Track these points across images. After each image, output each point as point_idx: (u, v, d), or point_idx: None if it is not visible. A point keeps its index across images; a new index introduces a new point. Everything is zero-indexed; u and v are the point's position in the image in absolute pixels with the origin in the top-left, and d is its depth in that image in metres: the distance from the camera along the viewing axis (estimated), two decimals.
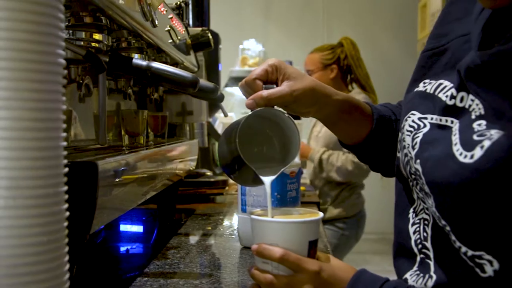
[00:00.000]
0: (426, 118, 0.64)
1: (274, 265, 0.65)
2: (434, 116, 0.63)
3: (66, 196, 0.48)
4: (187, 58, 1.27)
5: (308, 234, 0.66)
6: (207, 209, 1.46)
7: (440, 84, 0.65)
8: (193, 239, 1.08)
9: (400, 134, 0.70)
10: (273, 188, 0.96)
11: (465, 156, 0.54)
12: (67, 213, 0.49)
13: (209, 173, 1.74)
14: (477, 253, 0.55)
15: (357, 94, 2.31)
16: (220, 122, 2.40)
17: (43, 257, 0.45)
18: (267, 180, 0.70)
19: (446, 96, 0.62)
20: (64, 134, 0.48)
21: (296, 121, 0.74)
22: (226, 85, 3.57)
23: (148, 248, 1.08)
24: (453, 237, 0.57)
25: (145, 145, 1.04)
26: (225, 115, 1.41)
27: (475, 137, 0.55)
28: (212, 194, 1.67)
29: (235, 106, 3.58)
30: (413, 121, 0.66)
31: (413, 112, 0.67)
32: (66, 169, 0.49)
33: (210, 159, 2.12)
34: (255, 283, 0.68)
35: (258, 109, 0.71)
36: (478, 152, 0.53)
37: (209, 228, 1.21)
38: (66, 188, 0.48)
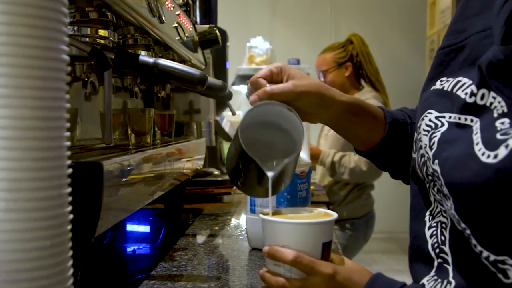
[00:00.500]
0: (444, 117, 0.62)
1: (286, 267, 0.62)
2: (453, 115, 0.60)
3: (70, 198, 0.46)
4: (195, 55, 1.25)
5: (322, 235, 0.64)
6: (214, 209, 1.44)
7: (459, 81, 0.62)
8: (201, 240, 1.06)
9: (416, 134, 0.67)
10: None
11: (488, 156, 0.52)
12: (71, 216, 0.47)
13: (216, 172, 1.72)
14: (500, 258, 0.52)
15: (368, 92, 2.28)
16: (228, 120, 2.38)
17: (45, 262, 0.43)
18: (270, 173, 0.67)
19: (465, 94, 0.59)
20: (68, 134, 0.47)
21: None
22: (233, 83, 3.55)
23: (155, 249, 1.07)
24: (474, 241, 0.54)
25: (151, 144, 1.02)
26: (233, 113, 1.39)
27: (498, 136, 0.52)
28: (220, 194, 1.64)
29: (242, 105, 3.55)
30: (430, 120, 0.63)
31: (430, 111, 0.64)
32: (70, 170, 0.47)
33: (218, 158, 2.10)
34: (266, 286, 0.65)
35: (261, 102, 0.69)
36: (502, 152, 0.50)
37: (217, 228, 1.19)
38: (69, 189, 0.46)
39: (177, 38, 1.07)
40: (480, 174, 0.52)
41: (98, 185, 0.57)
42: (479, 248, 0.54)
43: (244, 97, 3.43)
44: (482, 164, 0.52)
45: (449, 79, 0.64)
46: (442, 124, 0.61)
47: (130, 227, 1.29)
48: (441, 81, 0.66)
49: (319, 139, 2.47)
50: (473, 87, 0.59)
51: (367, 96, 2.25)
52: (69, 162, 0.47)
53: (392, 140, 0.80)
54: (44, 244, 0.43)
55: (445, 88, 0.64)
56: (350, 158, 2.17)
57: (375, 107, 0.81)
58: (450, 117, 0.61)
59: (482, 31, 0.63)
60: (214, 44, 1.34)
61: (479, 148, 0.53)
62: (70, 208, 0.46)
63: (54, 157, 0.44)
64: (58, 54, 0.44)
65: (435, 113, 0.63)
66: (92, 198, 0.57)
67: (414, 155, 0.67)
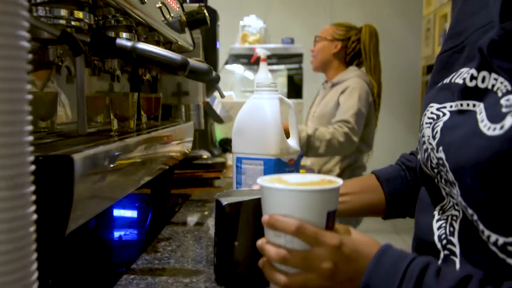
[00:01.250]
0: (445, 107, 0.60)
1: (288, 238, 0.58)
2: (453, 103, 0.59)
3: (33, 198, 0.43)
4: (182, 36, 1.20)
5: (327, 203, 0.59)
6: (203, 194, 1.41)
7: (457, 72, 0.61)
8: (186, 229, 1.03)
9: (419, 133, 0.65)
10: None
11: (494, 129, 0.49)
12: (35, 216, 0.43)
13: (205, 156, 1.69)
14: (510, 239, 0.50)
15: (352, 71, 2.28)
16: (219, 101, 2.33)
17: (4, 268, 0.40)
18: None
19: (463, 79, 0.57)
20: (30, 128, 0.43)
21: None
22: (226, 63, 3.49)
23: (139, 237, 1.04)
24: (481, 227, 0.52)
25: (135, 129, 0.98)
26: (222, 96, 1.34)
27: (503, 110, 0.50)
28: (210, 178, 1.61)
29: (235, 84, 3.50)
30: (431, 112, 0.62)
31: (431, 105, 0.63)
32: (33, 167, 0.43)
33: (209, 140, 2.07)
34: (265, 258, 0.61)
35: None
36: (508, 121, 0.48)
37: (204, 215, 1.16)
38: (32, 188, 0.43)
39: (162, 19, 1.02)
40: (485, 149, 0.50)
41: (68, 181, 0.53)
42: (486, 233, 0.52)
43: (237, 77, 3.38)
44: (488, 138, 0.50)
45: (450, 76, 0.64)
46: (444, 114, 0.60)
47: (117, 213, 1.26)
48: (443, 82, 0.65)
49: (306, 121, 2.44)
50: (473, 71, 0.57)
51: (350, 75, 2.24)
52: (31, 158, 0.43)
53: (397, 196, 0.82)
54: (2, 249, 0.39)
55: (445, 82, 0.63)
56: (325, 130, 2.10)
57: (362, 178, 0.87)
58: (451, 106, 0.59)
59: (481, 27, 0.61)
60: (202, 24, 1.29)
61: (484, 124, 0.51)
62: (33, 208, 0.43)
63: (10, 154, 0.40)
64: (13, 41, 0.40)
65: (436, 105, 0.62)
66: (62, 194, 0.53)
67: (419, 156, 0.66)
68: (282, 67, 3.51)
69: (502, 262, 0.51)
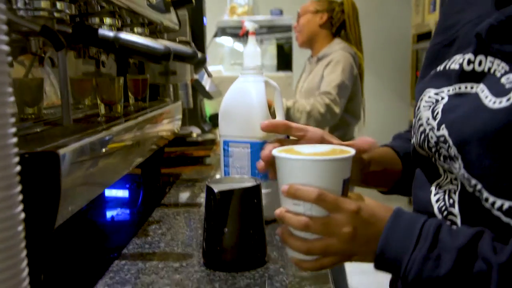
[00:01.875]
0: (443, 92, 0.62)
1: (307, 206, 0.59)
2: (451, 87, 0.61)
3: (20, 197, 0.44)
4: (167, 16, 1.19)
5: (343, 171, 0.61)
6: (193, 173, 1.43)
7: (450, 59, 0.63)
8: (176, 210, 1.04)
9: (415, 119, 0.67)
10: (257, 158, 0.91)
11: (500, 102, 0.53)
12: (23, 215, 0.44)
13: (195, 134, 1.69)
14: None
15: (336, 44, 2.26)
16: (208, 77, 2.32)
17: None
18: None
19: (460, 64, 0.60)
20: (13, 130, 0.43)
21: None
22: (215, 35, 3.46)
23: (130, 220, 1.05)
24: (486, 194, 0.55)
25: (122, 113, 0.98)
26: (209, 75, 1.34)
27: (507, 86, 0.53)
28: (200, 156, 1.62)
29: (224, 57, 3.47)
30: (429, 97, 0.64)
31: (427, 90, 0.65)
32: (19, 168, 0.44)
33: (198, 116, 2.07)
34: (284, 226, 0.62)
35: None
36: None
37: (195, 194, 1.18)
38: (19, 188, 0.44)
39: (145, 1, 1.01)
40: (491, 121, 0.53)
41: (55, 177, 0.54)
42: (491, 199, 0.55)
43: (227, 50, 3.32)
44: (493, 111, 0.53)
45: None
46: (442, 98, 0.62)
47: (108, 194, 1.27)
48: (436, 70, 0.67)
49: (295, 97, 2.44)
50: (470, 55, 0.59)
51: (335, 48, 2.24)
52: (17, 159, 0.44)
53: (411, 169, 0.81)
54: None
55: (438, 69, 0.65)
56: (306, 102, 2.09)
57: (380, 151, 0.81)
58: (449, 90, 0.62)
59: (470, 21, 0.64)
60: (187, 3, 1.28)
61: (489, 100, 0.54)
62: (21, 208, 0.44)
63: None
64: None
65: (434, 90, 0.64)
66: (49, 191, 0.54)
67: (413, 140, 0.68)
68: (271, 36, 3.48)
69: (506, 225, 0.54)
